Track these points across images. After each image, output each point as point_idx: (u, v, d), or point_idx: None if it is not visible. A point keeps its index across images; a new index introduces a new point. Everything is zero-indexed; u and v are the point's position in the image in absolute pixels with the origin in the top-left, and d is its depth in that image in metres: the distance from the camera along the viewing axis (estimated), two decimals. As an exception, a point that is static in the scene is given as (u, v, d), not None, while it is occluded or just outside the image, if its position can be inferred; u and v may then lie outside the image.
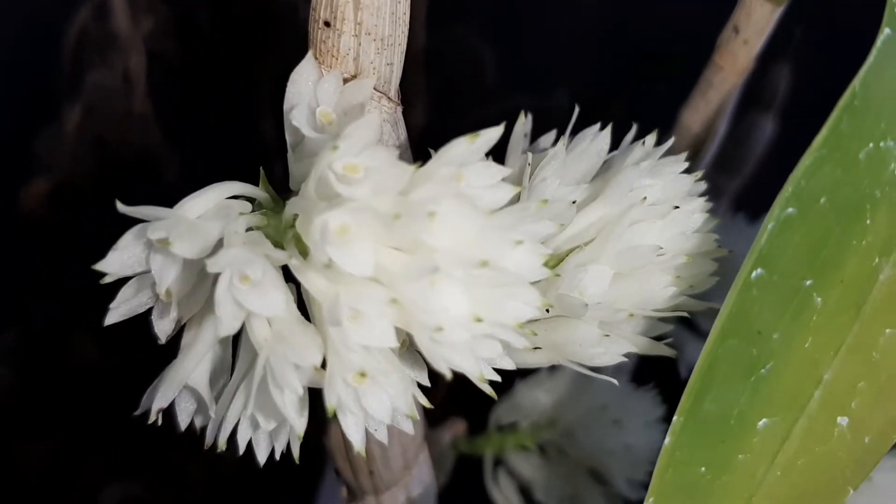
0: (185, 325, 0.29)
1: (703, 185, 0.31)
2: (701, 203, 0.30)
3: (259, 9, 0.75)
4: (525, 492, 0.49)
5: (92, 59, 0.65)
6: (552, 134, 0.34)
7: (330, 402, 0.24)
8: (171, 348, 0.29)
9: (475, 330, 0.23)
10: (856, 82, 0.24)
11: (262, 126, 0.76)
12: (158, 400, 0.28)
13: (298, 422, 0.26)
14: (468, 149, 0.24)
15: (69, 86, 0.66)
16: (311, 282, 0.24)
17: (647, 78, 0.71)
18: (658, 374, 0.48)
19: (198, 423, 0.29)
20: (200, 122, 0.74)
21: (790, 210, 0.24)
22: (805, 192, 0.24)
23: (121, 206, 0.24)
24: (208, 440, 0.28)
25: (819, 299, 0.25)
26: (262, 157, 0.76)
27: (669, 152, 0.31)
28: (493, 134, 0.25)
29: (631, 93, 0.72)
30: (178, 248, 0.24)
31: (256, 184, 0.29)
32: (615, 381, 0.31)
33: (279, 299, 0.24)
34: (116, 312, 0.27)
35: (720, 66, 0.39)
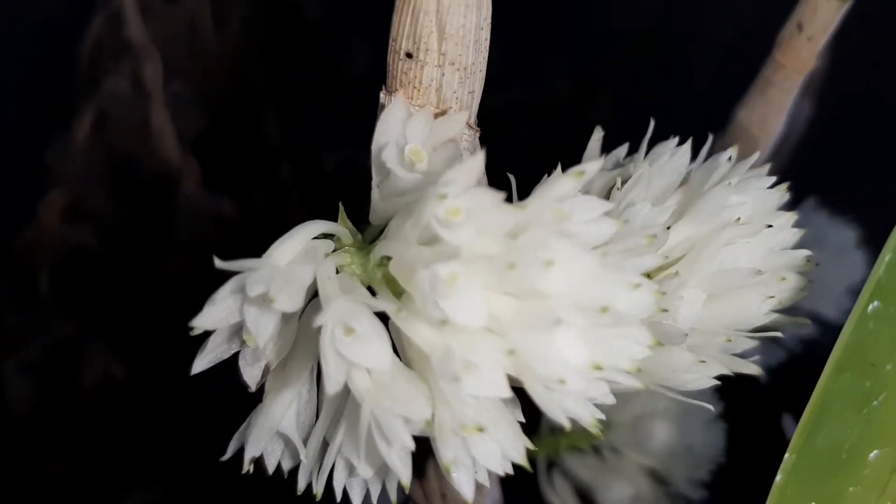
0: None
1: (787, 197, 0.31)
2: (789, 218, 0.30)
3: (274, 16, 0.74)
4: (581, 494, 0.49)
5: (107, 68, 0.63)
6: (624, 147, 0.33)
7: (446, 458, 0.23)
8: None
9: (592, 377, 0.23)
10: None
11: (273, 131, 0.75)
12: (251, 448, 0.27)
13: (405, 473, 0.25)
14: (572, 187, 0.24)
15: (84, 96, 0.64)
16: (416, 331, 0.24)
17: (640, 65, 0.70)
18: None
19: (285, 466, 0.29)
20: (217, 130, 0.73)
21: (909, 239, 0.24)
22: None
23: (218, 263, 0.23)
24: (301, 485, 0.28)
25: (934, 327, 0.24)
26: (275, 161, 0.75)
27: (748, 163, 0.31)
28: (594, 167, 0.24)
29: (626, 82, 0.71)
30: (280, 304, 0.23)
31: (332, 219, 0.28)
32: (711, 407, 0.31)
33: (384, 351, 0.23)
34: (205, 360, 0.26)
35: (781, 63, 0.38)
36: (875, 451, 0.25)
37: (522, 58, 0.66)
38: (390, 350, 0.24)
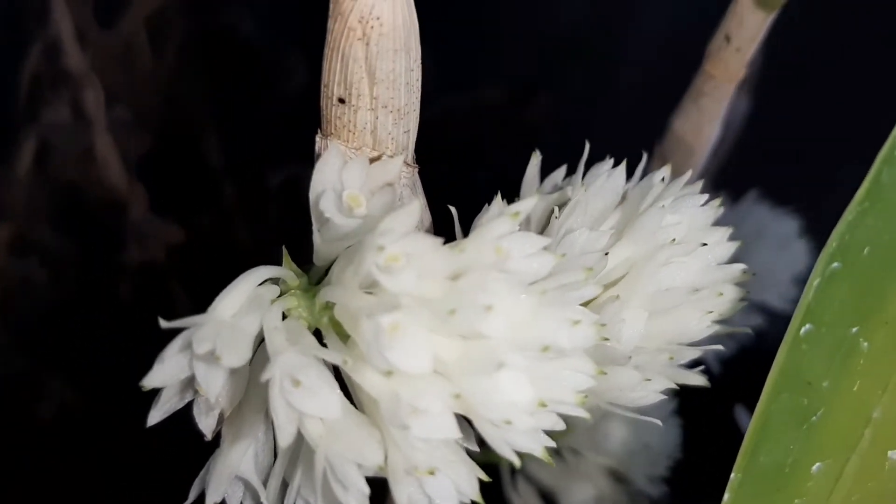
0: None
1: (721, 212, 0.31)
2: (724, 233, 0.31)
3: (210, 36, 0.73)
4: (545, 496, 0.50)
5: (46, 98, 0.62)
6: (562, 170, 0.33)
7: (401, 499, 0.24)
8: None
9: (539, 413, 0.23)
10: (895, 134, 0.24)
11: (216, 152, 0.75)
12: (212, 493, 0.27)
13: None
14: (509, 227, 0.24)
15: (25, 127, 0.64)
16: (366, 379, 0.24)
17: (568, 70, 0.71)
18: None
19: (246, 508, 0.29)
20: (160, 154, 0.72)
21: (835, 265, 0.25)
22: (849, 246, 0.24)
23: (163, 323, 0.24)
24: (262, 529, 0.28)
25: (865, 344, 0.25)
26: (221, 182, 0.75)
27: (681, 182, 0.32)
28: (529, 205, 0.25)
29: (556, 84, 0.72)
30: (228, 360, 0.24)
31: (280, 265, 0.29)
32: (659, 422, 0.32)
33: (333, 400, 0.24)
34: (159, 412, 0.27)
35: (711, 74, 0.38)
36: (817, 464, 0.26)
37: (455, 65, 0.67)
38: (339, 398, 0.24)
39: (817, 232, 0.58)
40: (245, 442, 0.27)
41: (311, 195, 0.26)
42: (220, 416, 0.28)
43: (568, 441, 0.49)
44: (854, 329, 0.25)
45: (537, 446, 0.24)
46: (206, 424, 0.27)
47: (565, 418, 0.48)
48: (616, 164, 0.32)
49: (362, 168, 0.26)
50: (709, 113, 0.39)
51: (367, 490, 0.24)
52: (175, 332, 0.25)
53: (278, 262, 0.28)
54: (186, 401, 0.27)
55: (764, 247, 0.56)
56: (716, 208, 0.31)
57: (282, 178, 0.77)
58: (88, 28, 0.64)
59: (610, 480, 0.48)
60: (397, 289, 0.23)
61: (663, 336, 0.30)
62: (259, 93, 0.77)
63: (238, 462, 0.27)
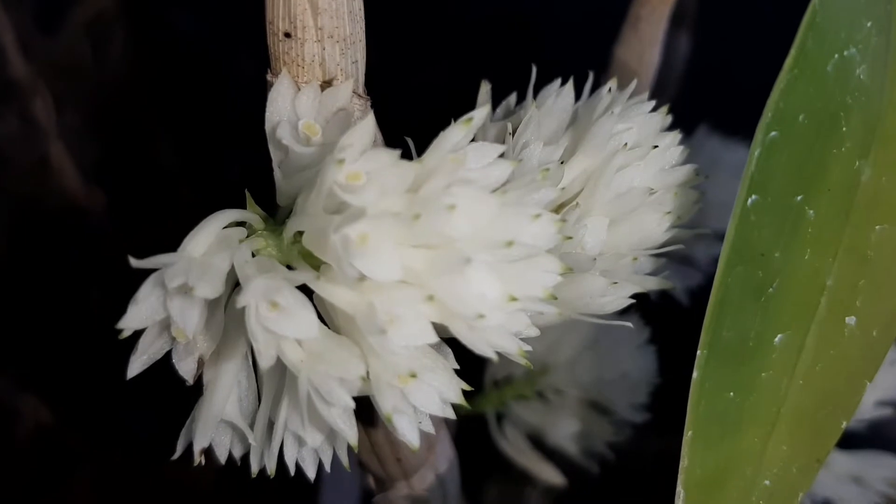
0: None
1: (670, 119, 0.32)
2: (674, 137, 0.32)
3: (151, 36, 0.73)
4: (533, 438, 0.51)
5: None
6: (512, 96, 0.34)
7: (386, 409, 0.24)
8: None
9: (510, 309, 0.24)
10: (815, 0, 0.25)
11: (168, 150, 0.75)
12: (199, 439, 0.27)
13: (350, 433, 0.26)
14: (464, 135, 0.25)
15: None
16: (338, 296, 0.25)
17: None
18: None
19: (236, 453, 0.29)
20: (113, 158, 0.72)
21: (773, 134, 0.25)
22: (784, 114, 0.25)
23: (134, 262, 0.24)
24: (254, 468, 0.29)
25: (811, 212, 0.26)
26: (177, 181, 0.75)
27: (627, 93, 0.32)
28: (482, 114, 0.25)
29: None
30: (201, 291, 0.24)
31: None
32: (630, 324, 0.32)
33: (310, 320, 0.24)
34: (139, 362, 0.27)
35: (647, -2, 0.40)
36: (779, 336, 0.27)
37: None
38: (316, 318, 0.24)
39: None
40: (227, 385, 0.28)
41: (267, 128, 0.26)
42: (200, 360, 0.28)
43: (549, 382, 0.49)
44: (799, 197, 0.26)
45: (513, 346, 0.25)
46: (186, 369, 0.27)
47: (541, 358, 0.49)
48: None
49: (314, 96, 0.26)
50: (648, 37, 0.40)
51: (352, 404, 0.25)
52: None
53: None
54: (165, 350, 0.27)
55: (720, 177, 0.57)
56: (663, 115, 0.32)
57: (238, 172, 0.77)
58: (30, 36, 0.63)
59: (594, 413, 0.49)
60: (362, 204, 0.24)
61: (626, 242, 0.31)
62: (206, 87, 0.77)
63: (222, 405, 0.28)
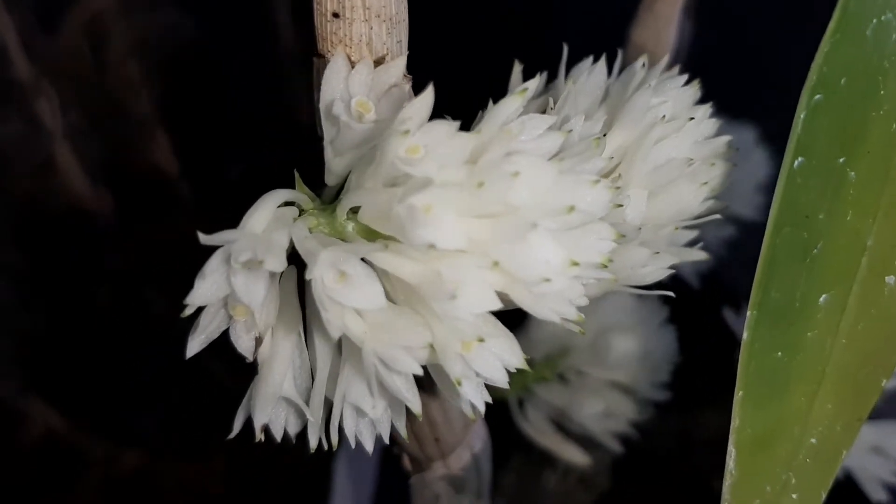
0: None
1: (700, 93, 0.33)
2: (706, 110, 0.32)
3: (154, 36, 0.73)
4: (555, 421, 0.51)
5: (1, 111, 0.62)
6: (543, 76, 0.35)
7: (454, 374, 0.25)
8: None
9: (571, 274, 0.25)
10: (856, -34, 0.26)
11: (171, 150, 0.75)
12: (259, 416, 0.28)
13: (415, 401, 0.26)
14: (517, 106, 0.25)
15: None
16: (401, 266, 0.25)
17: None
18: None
19: (291, 431, 0.30)
20: (116, 157, 0.72)
21: (817, 97, 0.26)
22: (827, 77, 0.26)
23: (202, 238, 0.24)
24: (312, 443, 0.29)
25: (853, 173, 0.27)
26: (181, 180, 0.75)
27: (659, 68, 0.33)
28: (534, 84, 0.26)
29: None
30: (270, 264, 0.24)
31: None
32: (672, 294, 0.33)
33: (377, 290, 0.25)
34: (198, 341, 0.27)
35: (663, -23, 0.40)
36: (824, 296, 0.28)
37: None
38: (382, 288, 0.25)
39: (772, 139, 0.60)
40: (284, 362, 0.28)
41: (322, 106, 0.27)
42: (258, 338, 0.28)
43: (570, 363, 0.50)
44: (841, 160, 0.27)
45: (572, 312, 0.26)
46: (245, 347, 0.28)
47: (562, 340, 0.50)
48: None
49: (368, 73, 0.27)
50: (664, 17, 0.41)
51: (419, 371, 0.25)
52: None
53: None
54: (222, 329, 0.28)
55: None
56: (695, 88, 0.32)
57: (241, 171, 0.77)
58: (34, 35, 0.63)
59: (616, 393, 0.49)
60: (423, 174, 0.24)
61: (664, 213, 0.32)
62: (208, 88, 0.77)
63: (280, 382, 0.28)
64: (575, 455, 0.51)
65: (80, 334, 0.73)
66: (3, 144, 0.63)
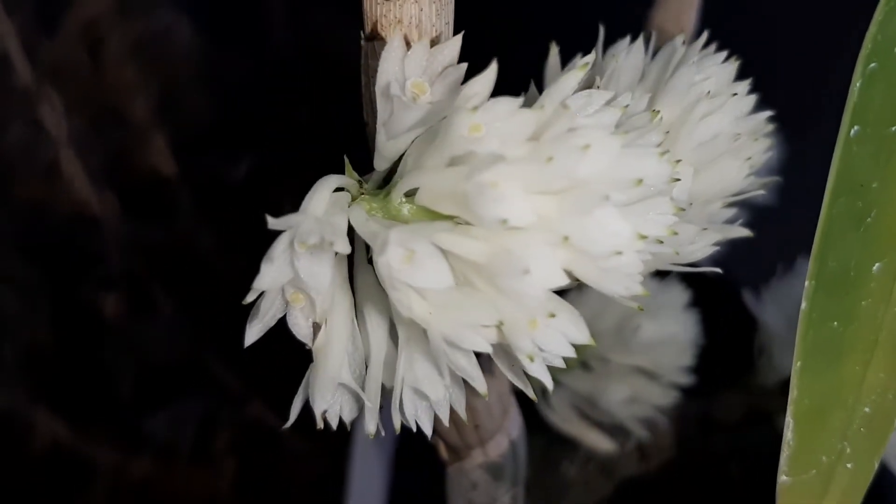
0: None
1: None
2: (745, 86, 0.32)
3: (150, 38, 0.73)
4: (580, 409, 0.51)
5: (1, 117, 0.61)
6: (579, 57, 0.35)
7: (526, 350, 0.25)
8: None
9: (639, 247, 0.25)
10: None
11: (173, 153, 0.74)
12: (318, 402, 0.28)
13: (481, 381, 0.26)
14: (577, 82, 0.25)
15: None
16: (466, 246, 0.25)
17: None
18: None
19: (346, 417, 0.30)
20: (119, 160, 0.72)
21: (872, 65, 0.26)
22: (881, 46, 0.26)
23: (271, 222, 0.24)
24: (371, 429, 0.29)
25: (906, 140, 0.27)
26: (184, 182, 0.74)
27: (698, 45, 0.33)
28: (592, 57, 0.26)
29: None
30: (340, 247, 0.24)
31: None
32: (719, 270, 0.33)
33: (445, 269, 0.24)
34: (257, 328, 0.27)
35: (685, -40, 0.41)
36: (877, 264, 0.28)
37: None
38: (448, 268, 0.25)
39: (785, 122, 0.61)
40: (341, 348, 0.28)
41: (378, 87, 0.27)
42: (316, 325, 0.28)
43: (594, 350, 0.50)
44: (894, 128, 0.27)
45: (637, 287, 0.26)
46: (303, 334, 0.28)
47: (591, 330, 0.50)
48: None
49: (423, 55, 0.27)
50: (685, 1, 0.41)
51: (490, 349, 0.25)
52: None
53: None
54: (279, 316, 0.28)
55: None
56: (735, 64, 0.33)
57: (243, 172, 0.77)
58: (34, 41, 0.63)
59: (641, 378, 0.49)
60: (489, 151, 0.24)
61: (709, 189, 0.32)
62: (208, 89, 0.77)
63: (338, 368, 0.28)
64: (601, 442, 0.51)
65: (86, 341, 0.72)
66: (8, 150, 0.63)
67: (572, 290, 0.50)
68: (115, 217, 0.70)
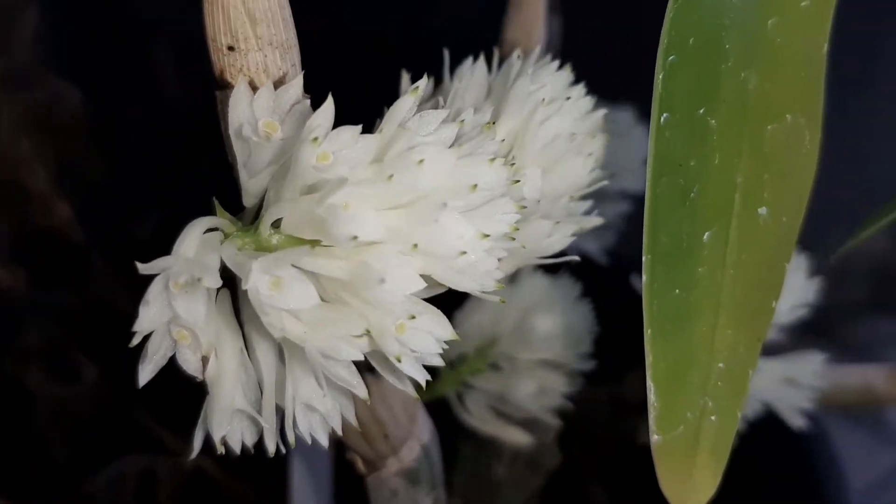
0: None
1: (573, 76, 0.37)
2: (581, 90, 0.36)
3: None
4: (495, 408, 0.54)
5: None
6: (427, 80, 0.37)
7: (393, 352, 0.27)
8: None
9: (484, 246, 0.27)
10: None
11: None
12: (217, 430, 0.29)
13: (361, 388, 0.28)
14: (412, 103, 0.28)
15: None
16: (327, 265, 0.27)
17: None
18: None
19: (248, 441, 0.31)
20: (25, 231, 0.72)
21: (671, 57, 0.30)
22: (676, 40, 0.29)
23: (141, 267, 0.26)
24: (271, 449, 0.31)
25: (713, 121, 0.31)
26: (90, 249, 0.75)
27: (533, 58, 0.36)
28: (423, 83, 0.29)
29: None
30: (207, 282, 0.26)
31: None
32: (577, 258, 0.36)
33: (311, 291, 0.27)
34: (148, 368, 0.29)
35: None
36: (707, 233, 0.31)
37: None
38: (314, 288, 0.27)
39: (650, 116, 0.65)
40: (232, 378, 0.30)
41: (231, 132, 0.29)
42: (205, 358, 0.30)
43: (499, 351, 0.53)
44: (701, 110, 0.30)
45: (490, 282, 0.28)
46: (194, 367, 0.29)
47: (488, 331, 0.52)
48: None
49: (269, 97, 0.29)
50: (532, 14, 0.45)
51: (361, 358, 0.27)
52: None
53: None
54: (169, 355, 0.29)
55: (610, 140, 0.62)
56: (568, 72, 0.36)
57: (150, 229, 0.78)
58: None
59: (546, 371, 0.52)
60: (337, 177, 0.26)
61: (559, 186, 0.35)
62: (103, 152, 0.78)
63: (232, 396, 0.30)
64: (517, 436, 0.53)
65: (14, 414, 0.72)
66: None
67: (472, 298, 0.53)
68: (26, 289, 0.71)
